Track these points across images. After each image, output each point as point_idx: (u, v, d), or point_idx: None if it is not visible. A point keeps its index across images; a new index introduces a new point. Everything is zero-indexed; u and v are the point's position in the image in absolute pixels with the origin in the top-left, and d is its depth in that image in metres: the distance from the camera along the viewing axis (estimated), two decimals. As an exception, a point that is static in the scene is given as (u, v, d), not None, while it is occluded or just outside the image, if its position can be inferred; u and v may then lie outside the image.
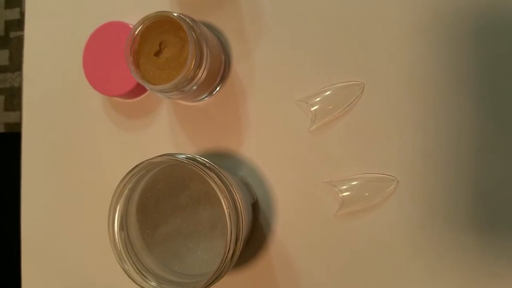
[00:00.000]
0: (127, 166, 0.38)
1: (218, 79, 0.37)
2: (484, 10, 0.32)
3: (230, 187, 0.29)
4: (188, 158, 0.30)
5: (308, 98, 0.34)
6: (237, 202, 0.30)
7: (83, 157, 0.40)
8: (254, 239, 0.35)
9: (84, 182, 0.40)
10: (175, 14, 0.32)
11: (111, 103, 0.40)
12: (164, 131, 0.38)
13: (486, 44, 0.32)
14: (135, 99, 0.39)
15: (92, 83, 0.38)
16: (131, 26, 0.37)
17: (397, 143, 0.32)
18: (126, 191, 0.31)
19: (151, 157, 0.29)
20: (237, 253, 0.30)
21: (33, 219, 0.42)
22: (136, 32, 0.32)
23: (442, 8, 0.32)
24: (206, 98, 0.38)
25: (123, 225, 0.32)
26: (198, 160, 0.30)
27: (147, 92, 0.39)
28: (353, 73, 0.33)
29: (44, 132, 0.41)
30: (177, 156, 0.29)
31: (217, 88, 0.38)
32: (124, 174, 0.30)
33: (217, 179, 0.29)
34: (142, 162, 0.29)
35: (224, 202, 0.28)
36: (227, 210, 0.28)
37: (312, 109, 0.33)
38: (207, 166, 0.30)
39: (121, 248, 0.31)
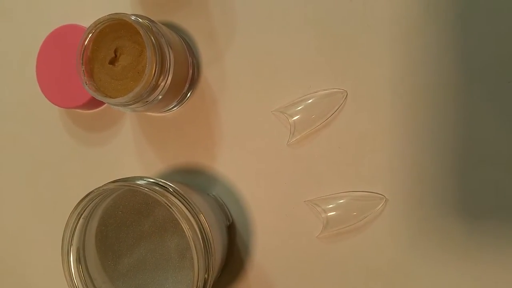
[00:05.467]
0: (89, 185, 0.35)
1: (187, 86, 0.33)
2: (480, 11, 0.28)
3: (197, 214, 0.26)
4: (148, 183, 0.26)
5: (286, 107, 0.30)
6: (207, 230, 0.26)
7: (41, 175, 0.36)
8: (230, 264, 0.32)
9: (41, 202, 0.36)
10: (131, 17, 0.28)
11: (69, 115, 0.36)
12: (129, 145, 0.34)
13: (481, 47, 0.28)
14: (95, 110, 0.35)
15: (46, 93, 0.34)
16: (86, 29, 0.33)
17: (385, 157, 0.29)
18: (81, 220, 0.27)
19: (104, 184, 0.26)
20: (209, 284, 0.27)
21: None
22: (88, 39, 0.29)
23: (434, 7, 0.28)
24: (175, 108, 0.34)
25: (80, 258, 0.28)
26: (160, 184, 0.26)
27: (109, 102, 0.35)
28: (334, 80, 0.30)
29: (-1, 147, 0.38)
30: (134, 181, 0.26)
31: (188, 95, 0.34)
32: (85, 193, 0.26)
33: (181, 205, 0.26)
34: (93, 191, 0.26)
35: (189, 234, 0.25)
36: (192, 242, 0.25)
37: (291, 120, 0.30)
38: (169, 191, 0.26)
39: (79, 283, 0.28)
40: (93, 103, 0.34)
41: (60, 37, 0.34)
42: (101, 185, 0.26)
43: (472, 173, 0.28)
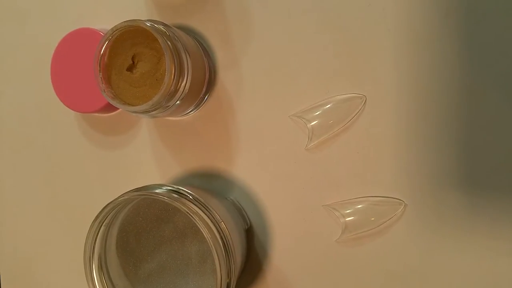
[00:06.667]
0: (107, 188, 0.35)
1: (204, 90, 0.33)
2: (497, 14, 0.27)
3: (218, 222, 0.26)
4: (168, 191, 0.26)
5: (304, 112, 0.30)
6: (228, 237, 0.27)
7: (58, 179, 0.37)
8: (249, 267, 0.32)
9: (59, 205, 0.37)
10: (148, 24, 0.27)
11: (85, 119, 0.36)
12: (146, 148, 0.34)
13: (499, 50, 0.27)
14: (112, 113, 0.35)
15: (61, 98, 0.34)
16: (101, 33, 0.33)
17: (403, 162, 0.29)
18: (103, 227, 0.28)
19: (125, 192, 0.26)
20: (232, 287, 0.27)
21: (8, 245, 0.38)
22: (105, 46, 0.28)
23: (453, 13, 0.28)
24: (192, 112, 0.34)
25: (102, 264, 0.28)
26: (180, 192, 0.27)
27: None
28: (353, 85, 0.29)
29: (16, 150, 0.38)
30: (155, 190, 0.26)
31: (205, 99, 0.34)
32: (104, 196, 0.27)
33: (203, 214, 0.26)
34: (113, 200, 0.26)
35: (210, 242, 0.25)
36: (214, 249, 0.25)
37: (308, 125, 0.30)
38: (190, 199, 0.26)
39: (101, 289, 0.28)
40: (109, 107, 0.34)
41: (74, 41, 0.34)
42: (121, 194, 0.26)
43: (491, 178, 0.28)
